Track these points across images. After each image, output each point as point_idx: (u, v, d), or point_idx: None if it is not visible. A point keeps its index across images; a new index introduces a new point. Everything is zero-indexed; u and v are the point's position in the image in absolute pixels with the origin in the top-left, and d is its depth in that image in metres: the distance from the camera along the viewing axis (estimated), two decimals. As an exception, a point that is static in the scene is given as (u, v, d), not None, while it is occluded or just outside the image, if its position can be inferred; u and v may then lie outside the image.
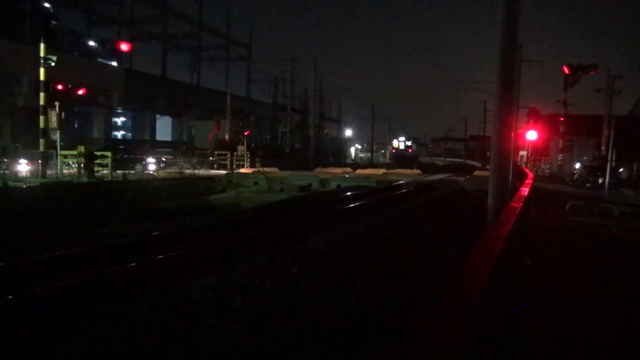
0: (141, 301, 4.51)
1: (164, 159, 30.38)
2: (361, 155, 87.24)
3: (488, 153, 25.57)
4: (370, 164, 57.26)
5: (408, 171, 34.64)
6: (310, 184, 21.68)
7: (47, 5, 18.83)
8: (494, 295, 2.35)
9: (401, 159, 64.88)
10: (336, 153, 66.79)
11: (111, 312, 4.38)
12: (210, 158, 34.93)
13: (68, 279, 5.45)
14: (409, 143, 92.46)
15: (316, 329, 3.93)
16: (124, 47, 29.58)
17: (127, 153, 28.63)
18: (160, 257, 6.60)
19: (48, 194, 14.43)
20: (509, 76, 7.68)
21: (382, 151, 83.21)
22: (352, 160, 76.03)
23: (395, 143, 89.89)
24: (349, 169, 33.23)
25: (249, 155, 35.22)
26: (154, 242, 7.61)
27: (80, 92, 29.06)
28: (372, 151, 78.86)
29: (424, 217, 10.74)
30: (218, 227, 9.30)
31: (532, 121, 24.52)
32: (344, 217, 10.83)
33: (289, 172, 25.98)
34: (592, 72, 32.59)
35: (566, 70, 32.69)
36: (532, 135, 25.38)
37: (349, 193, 17.45)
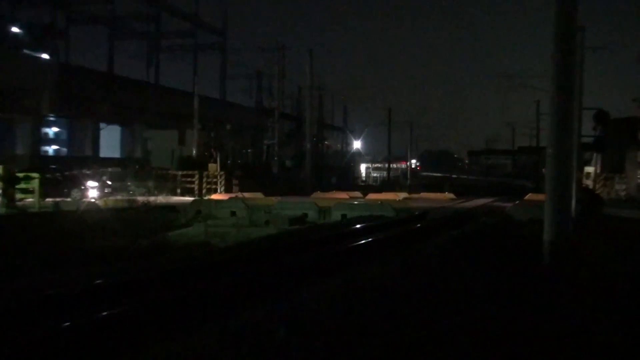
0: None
1: (109, 183, 30.35)
2: (374, 174, 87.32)
3: (543, 170, 25.55)
4: (387, 185, 57.23)
5: (437, 195, 34.58)
6: (305, 214, 21.65)
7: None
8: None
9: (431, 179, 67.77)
10: (341, 172, 66.77)
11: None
12: (172, 180, 34.94)
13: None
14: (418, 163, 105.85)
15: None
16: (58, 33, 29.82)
17: (61, 174, 28.59)
18: (97, 315, 6.48)
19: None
20: (567, 68, 7.68)
21: (397, 165, 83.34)
22: (363, 181, 75.85)
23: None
24: (358, 194, 33.21)
25: (223, 176, 35.21)
26: (85, 295, 7.49)
27: (-3, 93, 29.18)
28: (388, 169, 78.44)
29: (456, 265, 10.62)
30: (173, 275, 9.16)
31: (599, 127, 24.61)
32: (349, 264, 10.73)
33: (278, 198, 25.94)
34: (678, 61, 32.75)
35: (644, 58, 32.89)
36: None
37: (358, 226, 17.35)
